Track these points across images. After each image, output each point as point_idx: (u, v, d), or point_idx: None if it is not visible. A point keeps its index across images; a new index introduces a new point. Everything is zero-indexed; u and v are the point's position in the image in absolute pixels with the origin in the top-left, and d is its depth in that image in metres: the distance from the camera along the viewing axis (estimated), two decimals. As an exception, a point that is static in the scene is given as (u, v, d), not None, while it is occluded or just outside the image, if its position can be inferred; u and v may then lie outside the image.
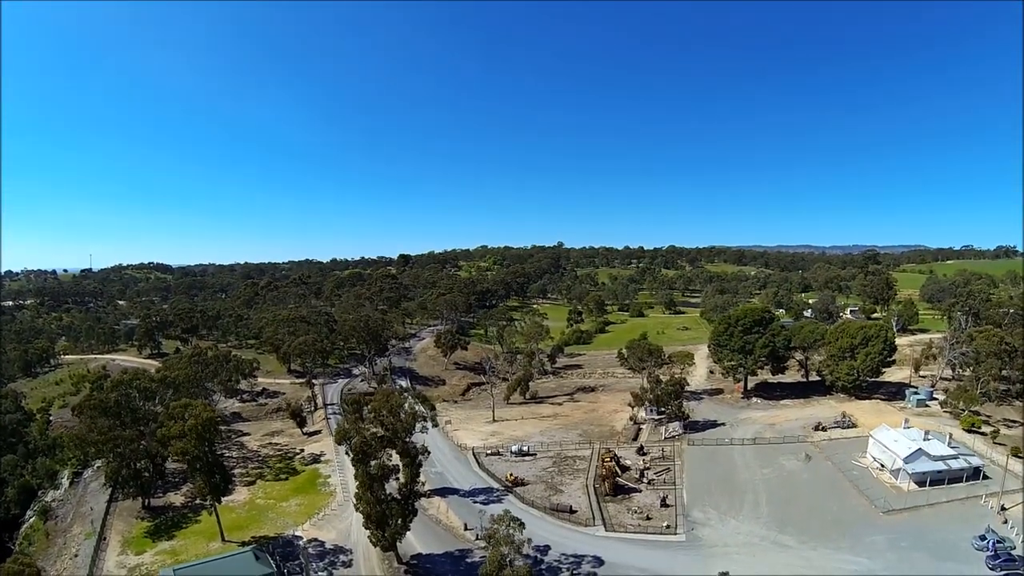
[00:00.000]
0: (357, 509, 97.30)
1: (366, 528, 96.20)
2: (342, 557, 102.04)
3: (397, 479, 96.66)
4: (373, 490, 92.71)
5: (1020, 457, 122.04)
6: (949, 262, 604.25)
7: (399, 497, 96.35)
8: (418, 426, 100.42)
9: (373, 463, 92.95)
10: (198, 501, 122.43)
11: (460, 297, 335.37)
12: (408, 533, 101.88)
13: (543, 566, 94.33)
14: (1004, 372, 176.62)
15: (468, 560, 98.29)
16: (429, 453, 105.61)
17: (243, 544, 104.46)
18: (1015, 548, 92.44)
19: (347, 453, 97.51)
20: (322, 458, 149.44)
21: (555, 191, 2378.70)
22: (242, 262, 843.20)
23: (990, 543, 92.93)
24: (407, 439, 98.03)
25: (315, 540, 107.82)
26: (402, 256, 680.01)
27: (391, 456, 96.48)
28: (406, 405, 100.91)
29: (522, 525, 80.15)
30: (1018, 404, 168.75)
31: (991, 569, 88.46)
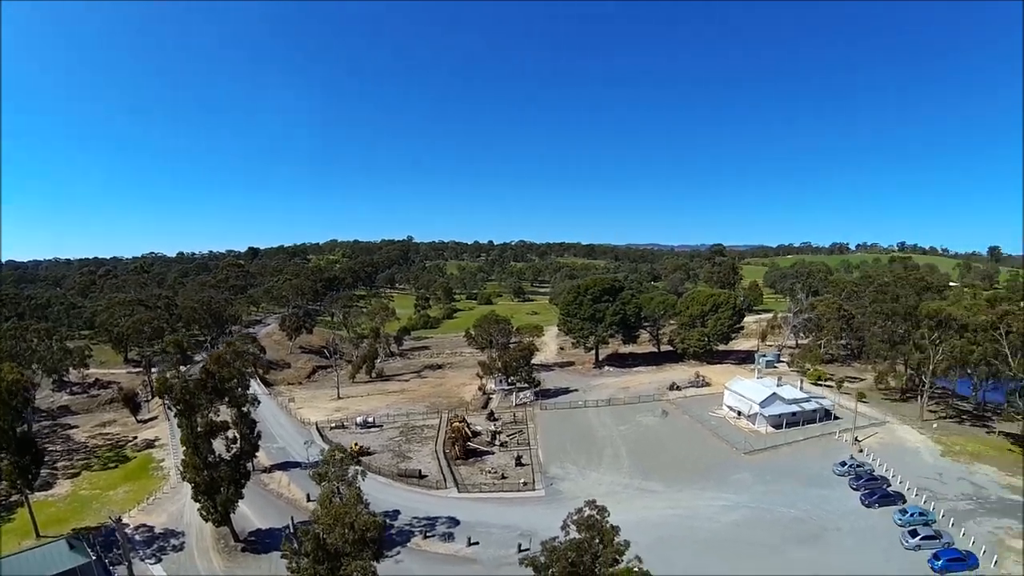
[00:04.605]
0: (184, 477, 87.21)
1: (196, 500, 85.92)
2: (173, 541, 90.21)
3: (227, 438, 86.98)
4: (200, 451, 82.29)
5: (865, 401, 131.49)
6: (789, 257, 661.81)
7: (229, 459, 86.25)
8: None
9: (200, 420, 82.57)
10: (12, 498, 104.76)
11: (307, 283, 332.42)
12: (247, 509, 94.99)
13: (393, 531, 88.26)
14: (843, 340, 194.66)
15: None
16: (259, 403, 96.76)
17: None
18: (873, 470, 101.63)
19: (168, 408, 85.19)
20: (156, 443, 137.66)
21: (405, 188, 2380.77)
22: (82, 256, 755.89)
23: (851, 468, 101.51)
24: (237, 390, 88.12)
25: (143, 526, 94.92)
26: (251, 249, 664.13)
27: (219, 412, 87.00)
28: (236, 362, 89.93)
29: (355, 459, 71.72)
30: (856, 365, 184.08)
31: (854, 489, 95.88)
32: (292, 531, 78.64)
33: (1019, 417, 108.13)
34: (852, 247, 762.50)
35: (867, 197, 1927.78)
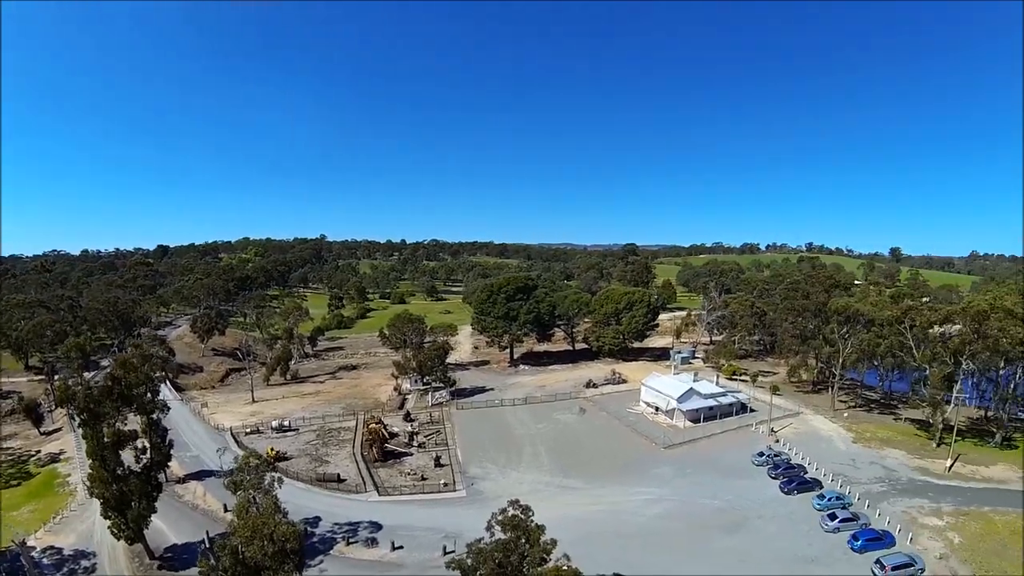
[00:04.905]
0: (92, 493, 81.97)
1: (106, 517, 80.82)
2: (84, 562, 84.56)
3: (136, 448, 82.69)
4: (107, 463, 77.42)
5: (779, 394, 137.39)
6: (701, 256, 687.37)
7: (139, 470, 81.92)
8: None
9: (106, 429, 77.78)
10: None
11: (219, 282, 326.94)
12: (162, 524, 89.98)
13: (315, 539, 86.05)
14: (756, 336, 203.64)
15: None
16: (170, 408, 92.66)
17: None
18: (790, 459, 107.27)
19: (72, 418, 79.57)
20: (61, 456, 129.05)
21: (317, 186, 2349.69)
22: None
23: (769, 457, 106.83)
24: (145, 396, 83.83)
25: (51, 548, 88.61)
26: (160, 247, 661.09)
27: (127, 420, 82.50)
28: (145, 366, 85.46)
29: (271, 465, 69.27)
30: (770, 359, 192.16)
31: (773, 478, 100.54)
32: (208, 546, 75.35)
33: (923, 404, 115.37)
34: (763, 247, 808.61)
35: (776, 199, 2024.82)
